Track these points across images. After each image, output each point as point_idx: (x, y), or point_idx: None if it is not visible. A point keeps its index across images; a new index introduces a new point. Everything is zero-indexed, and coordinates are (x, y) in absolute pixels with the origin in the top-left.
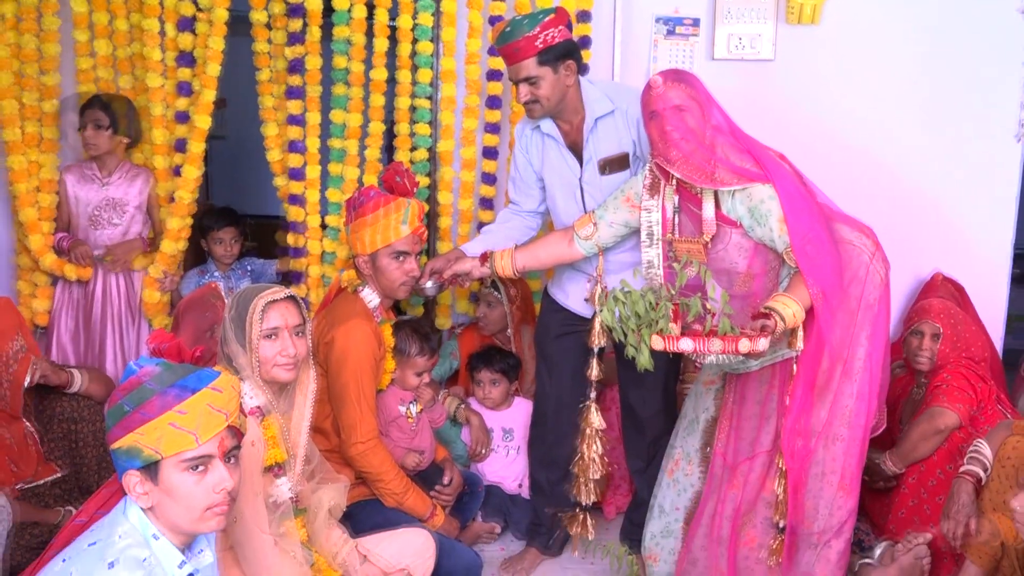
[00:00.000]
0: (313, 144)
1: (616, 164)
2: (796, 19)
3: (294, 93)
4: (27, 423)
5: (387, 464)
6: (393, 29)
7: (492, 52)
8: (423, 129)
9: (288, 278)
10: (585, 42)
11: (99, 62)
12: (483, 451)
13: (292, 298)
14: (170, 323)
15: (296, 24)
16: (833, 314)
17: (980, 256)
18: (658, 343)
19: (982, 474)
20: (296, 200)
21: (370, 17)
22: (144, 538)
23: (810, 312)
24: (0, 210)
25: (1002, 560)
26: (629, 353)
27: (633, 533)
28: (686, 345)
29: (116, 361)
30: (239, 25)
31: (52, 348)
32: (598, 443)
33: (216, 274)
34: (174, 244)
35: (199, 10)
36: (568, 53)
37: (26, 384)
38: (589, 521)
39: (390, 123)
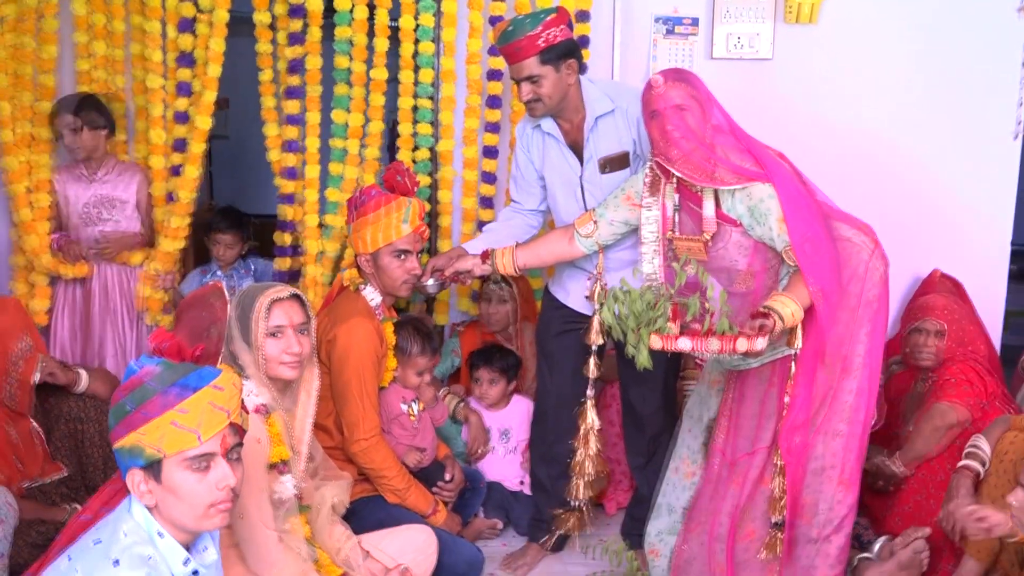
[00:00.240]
0: (313, 144)
1: (616, 163)
2: (794, 18)
3: (292, 93)
4: (33, 422)
5: (389, 461)
6: (395, 30)
7: (493, 52)
8: (425, 129)
9: (292, 277)
10: (584, 42)
11: (97, 63)
12: (480, 451)
13: (296, 296)
14: (171, 322)
15: (296, 24)
16: (832, 312)
17: (978, 253)
18: (656, 342)
19: (980, 469)
20: (288, 199)
21: (371, 17)
22: (149, 536)
23: (810, 310)
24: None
25: (1000, 555)
26: (628, 352)
27: (634, 529)
28: (684, 344)
29: (116, 359)
30: (241, 26)
31: (52, 347)
32: (594, 442)
33: (219, 273)
34: (173, 243)
35: (200, 11)
36: (570, 52)
37: (34, 381)
38: (587, 514)
39: (392, 123)
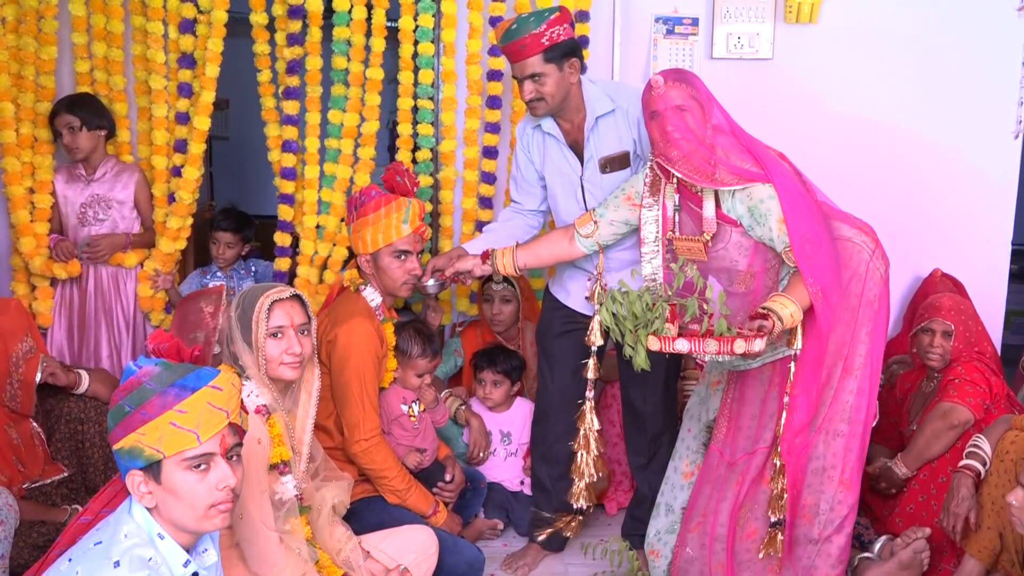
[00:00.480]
0: (312, 144)
1: (617, 163)
2: (794, 18)
3: (291, 94)
4: (33, 423)
5: (390, 461)
6: (395, 31)
7: (493, 52)
8: (425, 129)
9: (292, 278)
10: (584, 42)
11: (96, 64)
12: (481, 455)
13: (297, 297)
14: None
15: (296, 25)
16: (833, 312)
17: (979, 253)
18: (654, 344)
19: (981, 469)
20: (287, 200)
21: (369, 18)
22: (149, 537)
23: (809, 311)
24: None
25: (1001, 554)
26: (626, 353)
27: (635, 529)
28: (682, 346)
29: (112, 361)
30: (242, 26)
31: (49, 348)
32: (593, 444)
33: (219, 274)
34: (172, 243)
35: (200, 12)
36: (572, 51)
37: (37, 381)
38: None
39: (393, 124)
